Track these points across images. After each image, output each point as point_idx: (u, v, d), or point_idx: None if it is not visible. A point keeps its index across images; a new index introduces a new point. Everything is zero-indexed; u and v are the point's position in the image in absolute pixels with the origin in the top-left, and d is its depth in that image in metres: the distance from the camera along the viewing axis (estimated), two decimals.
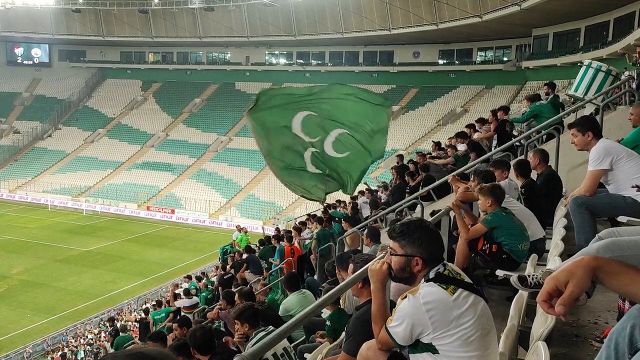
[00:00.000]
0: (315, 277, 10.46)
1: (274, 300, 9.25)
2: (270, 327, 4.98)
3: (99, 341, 25.14)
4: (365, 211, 13.74)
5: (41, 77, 71.46)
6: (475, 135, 11.85)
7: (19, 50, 71.44)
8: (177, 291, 15.97)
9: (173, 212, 50.67)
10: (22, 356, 25.38)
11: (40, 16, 63.24)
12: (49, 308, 29.76)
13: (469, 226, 5.22)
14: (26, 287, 32.48)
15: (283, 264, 12.39)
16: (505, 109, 11.96)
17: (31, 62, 71.77)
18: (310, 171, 6.12)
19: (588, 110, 10.46)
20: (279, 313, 7.34)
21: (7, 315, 28.08)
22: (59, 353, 25.59)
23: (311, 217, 15.23)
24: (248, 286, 10.96)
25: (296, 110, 6.12)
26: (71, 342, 26.36)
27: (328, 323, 5.41)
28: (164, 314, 14.21)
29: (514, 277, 3.74)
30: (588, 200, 4.41)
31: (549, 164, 6.69)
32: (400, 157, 15.36)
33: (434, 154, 13.21)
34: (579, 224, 4.44)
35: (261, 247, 16.04)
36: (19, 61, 71.77)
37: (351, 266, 4.13)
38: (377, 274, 2.97)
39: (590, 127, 4.57)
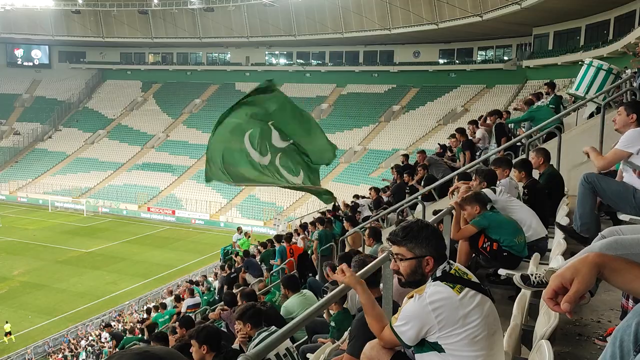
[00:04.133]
0: (317, 277, 10.45)
1: (271, 302, 9.24)
2: (273, 327, 4.98)
3: (100, 342, 25.16)
4: (364, 212, 13.73)
5: (41, 79, 71.49)
6: (477, 133, 11.85)
7: (19, 52, 71.47)
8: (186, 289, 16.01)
9: (174, 212, 50.70)
10: (24, 358, 25.38)
11: (40, 17, 63.27)
12: (50, 309, 29.77)
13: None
14: (27, 289, 32.49)
15: (284, 264, 12.40)
16: (499, 113, 11.92)
17: (31, 64, 71.79)
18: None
19: (589, 109, 10.46)
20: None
21: (8, 316, 28.07)
22: (60, 355, 25.61)
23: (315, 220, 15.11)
24: (249, 287, 10.96)
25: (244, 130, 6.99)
26: (72, 344, 26.36)
27: (332, 324, 5.41)
28: (167, 316, 14.21)
29: (517, 276, 3.75)
30: (599, 180, 4.38)
31: (551, 163, 6.69)
32: (406, 156, 15.28)
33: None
34: (581, 198, 4.48)
35: (263, 250, 16.01)
36: (19, 62, 71.79)
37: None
38: (350, 281, 3.07)
39: (637, 111, 4.52)
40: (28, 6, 61.17)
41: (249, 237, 20.29)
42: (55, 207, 52.91)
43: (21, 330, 27.44)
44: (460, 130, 12.05)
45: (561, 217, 5.53)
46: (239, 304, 7.41)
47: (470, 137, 11.92)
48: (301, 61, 62.94)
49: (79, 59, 71.44)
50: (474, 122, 12.75)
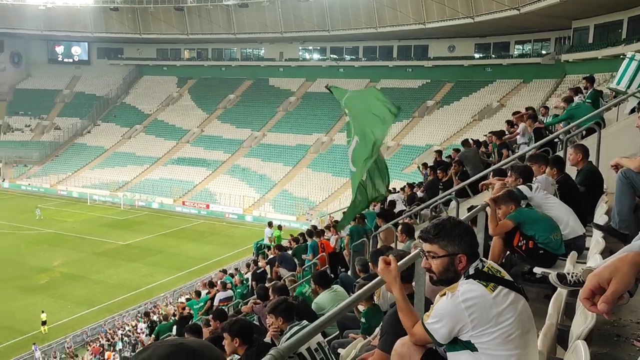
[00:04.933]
0: (349, 272, 10.44)
1: (302, 294, 9.27)
2: (304, 322, 5.00)
3: (137, 333, 25.71)
4: (398, 206, 13.62)
5: (81, 75, 73.26)
6: (519, 127, 11.62)
7: (59, 49, 73.36)
8: (219, 280, 16.18)
9: (208, 207, 51.36)
10: (63, 346, 26.12)
11: (79, 15, 64.83)
12: (88, 300, 30.54)
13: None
14: (66, 280, 33.39)
15: (317, 259, 12.42)
16: (534, 117, 11.56)
17: (71, 60, 73.67)
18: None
19: (631, 104, 10.16)
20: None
21: (49, 306, 28.89)
22: (98, 344, 26.28)
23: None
24: (282, 281, 11.02)
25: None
26: (109, 333, 27.01)
27: (363, 320, 5.40)
28: (202, 303, 14.41)
29: (553, 275, 3.67)
30: (637, 175, 4.31)
31: (589, 160, 6.52)
32: (439, 152, 15.09)
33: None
34: (619, 195, 4.47)
35: (296, 245, 16.03)
36: (59, 59, 73.75)
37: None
38: (392, 275, 3.02)
39: None
40: (68, 4, 62.78)
41: (282, 229, 20.35)
42: (93, 200, 54.20)
43: (61, 320, 28.23)
44: (498, 133, 11.82)
45: (600, 215, 5.39)
46: (271, 297, 7.46)
47: (508, 133, 11.73)
48: (335, 56, 62.87)
49: (117, 55, 72.91)
50: (517, 113, 12.50)
